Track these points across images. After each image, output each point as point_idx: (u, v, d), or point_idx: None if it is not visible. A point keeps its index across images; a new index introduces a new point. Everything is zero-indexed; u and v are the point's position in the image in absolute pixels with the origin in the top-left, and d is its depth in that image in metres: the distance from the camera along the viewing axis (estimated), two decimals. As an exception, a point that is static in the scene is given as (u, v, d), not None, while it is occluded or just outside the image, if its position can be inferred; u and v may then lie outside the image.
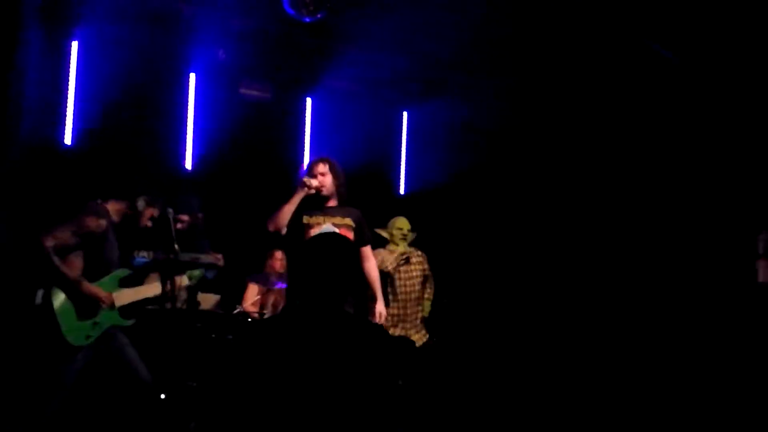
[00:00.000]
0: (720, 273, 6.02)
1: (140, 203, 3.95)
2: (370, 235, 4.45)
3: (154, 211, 4.04)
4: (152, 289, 3.97)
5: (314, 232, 4.06)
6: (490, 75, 6.77)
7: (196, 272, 4.27)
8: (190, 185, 5.79)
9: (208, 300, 4.84)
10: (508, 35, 6.13)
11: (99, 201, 3.90)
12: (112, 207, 3.92)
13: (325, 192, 4.18)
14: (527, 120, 7.09)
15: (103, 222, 3.79)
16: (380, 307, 4.39)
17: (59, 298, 3.68)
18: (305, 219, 4.14)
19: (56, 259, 3.63)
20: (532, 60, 6.45)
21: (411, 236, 5.44)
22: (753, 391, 5.34)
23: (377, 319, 4.34)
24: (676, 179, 6.45)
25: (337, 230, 4.12)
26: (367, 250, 4.39)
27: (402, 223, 5.40)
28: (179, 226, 4.60)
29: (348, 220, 4.23)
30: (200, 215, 4.92)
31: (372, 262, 4.46)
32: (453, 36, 6.15)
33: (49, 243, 3.61)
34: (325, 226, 4.12)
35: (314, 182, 4.14)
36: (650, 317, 6.27)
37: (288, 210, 4.07)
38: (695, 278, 6.14)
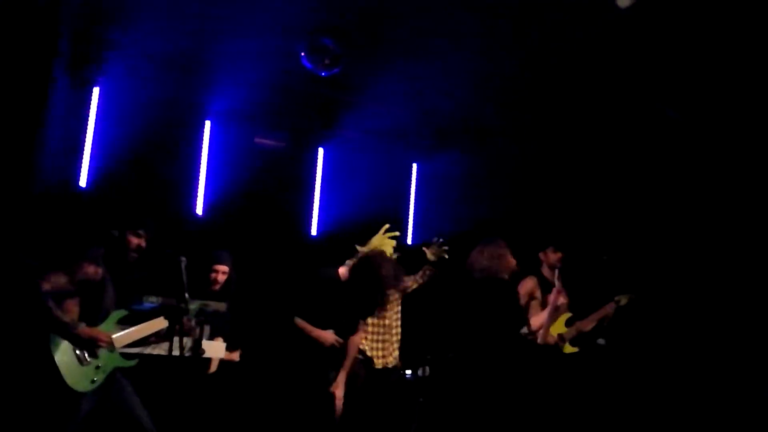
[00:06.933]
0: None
1: (115, 232, 3.92)
2: None
3: (138, 241, 3.94)
4: (152, 326, 3.91)
5: None
6: (499, 129, 6.88)
7: (193, 306, 4.21)
8: (200, 231, 5.84)
9: (213, 348, 4.83)
10: (517, 90, 6.25)
11: (95, 247, 3.86)
12: (101, 252, 3.87)
13: None
14: (535, 173, 7.15)
15: (101, 270, 3.78)
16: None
17: (59, 348, 3.61)
18: None
19: (51, 303, 3.57)
20: (540, 114, 6.55)
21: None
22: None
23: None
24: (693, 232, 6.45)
25: None
26: None
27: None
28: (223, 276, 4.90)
29: None
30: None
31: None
32: (463, 90, 6.28)
33: (45, 287, 3.55)
34: None
35: None
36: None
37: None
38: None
